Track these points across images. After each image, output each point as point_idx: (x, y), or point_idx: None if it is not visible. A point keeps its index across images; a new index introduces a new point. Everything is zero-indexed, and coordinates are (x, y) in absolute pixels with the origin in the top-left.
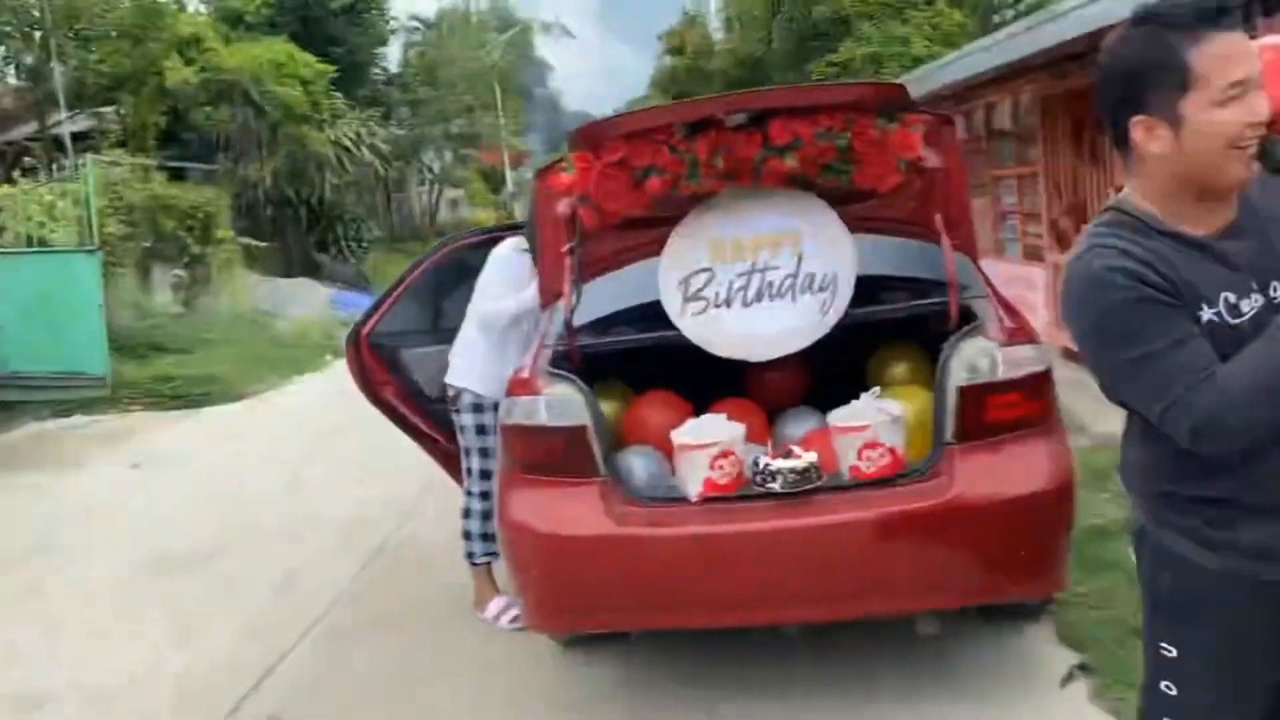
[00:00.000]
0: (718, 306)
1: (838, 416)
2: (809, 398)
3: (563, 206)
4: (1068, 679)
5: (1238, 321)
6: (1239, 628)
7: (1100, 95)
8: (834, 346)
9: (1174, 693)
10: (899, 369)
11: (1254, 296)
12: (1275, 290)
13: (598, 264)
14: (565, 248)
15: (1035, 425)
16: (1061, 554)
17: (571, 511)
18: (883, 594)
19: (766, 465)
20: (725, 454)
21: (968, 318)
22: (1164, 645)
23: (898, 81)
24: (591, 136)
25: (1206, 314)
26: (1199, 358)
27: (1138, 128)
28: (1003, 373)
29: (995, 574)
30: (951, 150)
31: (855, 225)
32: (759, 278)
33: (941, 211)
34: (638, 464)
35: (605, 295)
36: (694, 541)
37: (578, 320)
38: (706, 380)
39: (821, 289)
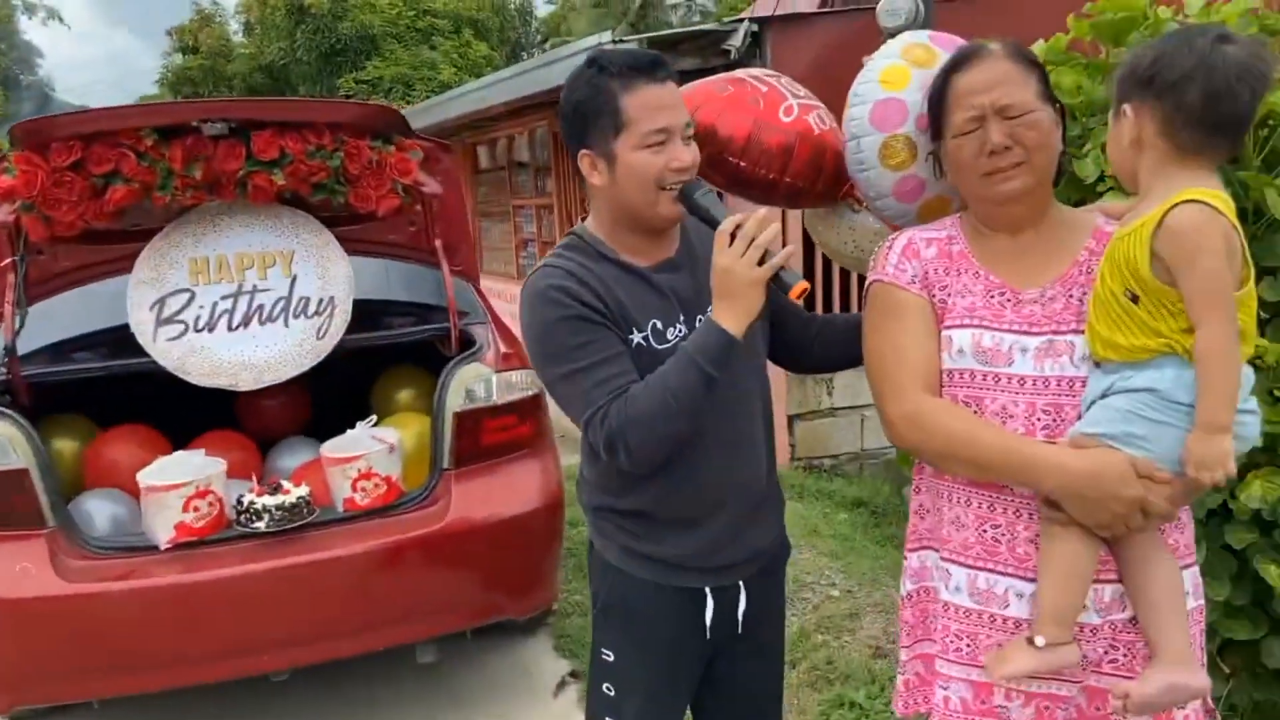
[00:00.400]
0: (198, 331)
1: (330, 447)
2: (311, 427)
3: (1, 214)
4: (560, 687)
5: (662, 347)
6: (665, 633)
7: (561, 128)
8: (337, 373)
9: (613, 694)
10: (404, 395)
11: (679, 326)
12: (699, 322)
13: (51, 281)
14: (5, 262)
15: (527, 447)
16: (551, 569)
17: (7, 569)
18: (381, 627)
19: (251, 503)
20: (202, 494)
21: (468, 343)
22: (604, 650)
23: (392, 105)
24: (37, 135)
25: (636, 337)
26: (619, 375)
27: (584, 160)
28: (497, 397)
29: (492, 594)
30: (450, 177)
31: (354, 247)
32: (246, 300)
33: (441, 237)
34: (99, 510)
35: (62, 317)
36: (163, 594)
37: (25, 346)
38: (194, 411)
39: (317, 313)
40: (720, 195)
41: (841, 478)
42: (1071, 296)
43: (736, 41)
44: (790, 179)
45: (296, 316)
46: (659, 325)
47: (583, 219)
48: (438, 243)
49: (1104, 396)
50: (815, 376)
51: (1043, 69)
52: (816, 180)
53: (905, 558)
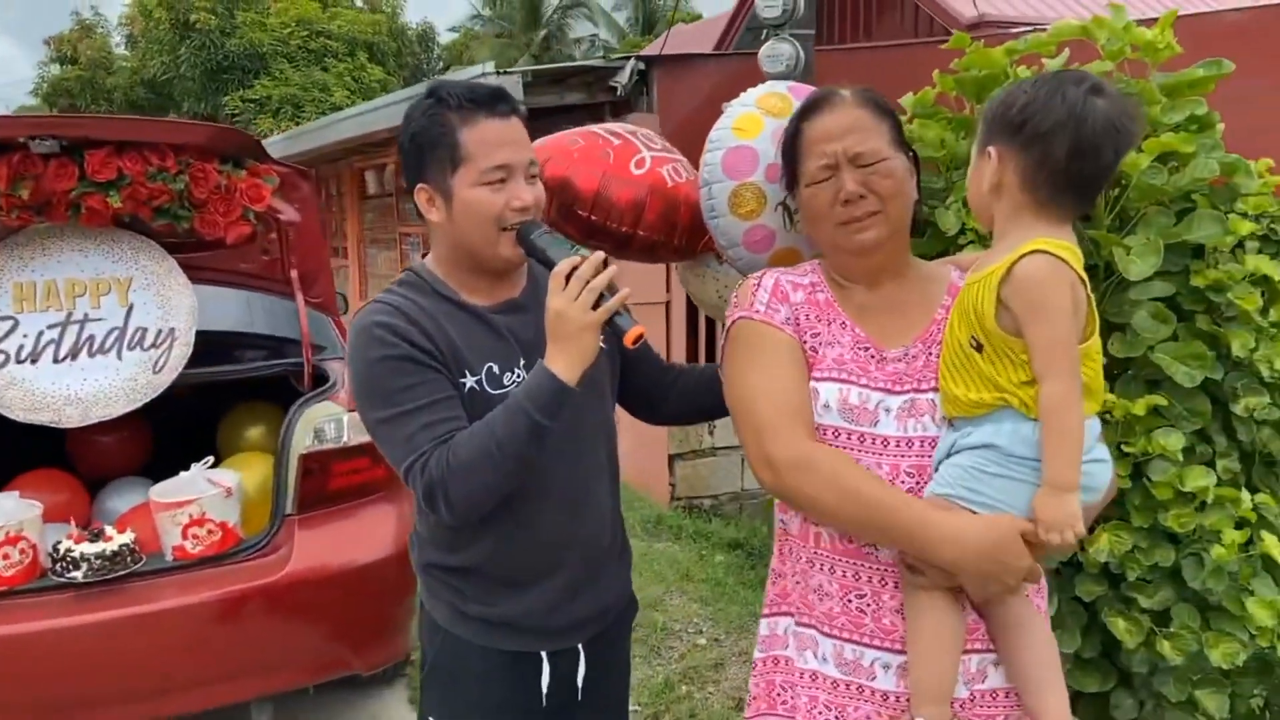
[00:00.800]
0: (20, 362)
1: (159, 491)
2: (151, 467)
3: None
4: None
5: (497, 392)
6: (495, 700)
7: (401, 161)
8: (183, 409)
9: None
10: (253, 433)
11: (518, 371)
12: None
13: None
14: None
15: (381, 491)
16: (403, 621)
17: None
18: (212, 685)
19: (68, 551)
20: (12, 539)
21: (321, 379)
22: (430, 716)
23: (240, 129)
24: None
25: (469, 381)
26: (445, 421)
27: (420, 195)
28: (348, 438)
29: (336, 649)
30: (309, 204)
31: (200, 276)
32: (76, 330)
33: (298, 267)
34: None
35: None
36: None
37: None
38: (17, 447)
39: (154, 345)
40: (572, 243)
41: (720, 518)
42: (931, 354)
43: (623, 79)
44: (644, 232)
45: (131, 348)
46: (495, 369)
47: (423, 255)
48: (293, 273)
49: (949, 455)
50: None
51: (894, 116)
52: (672, 234)
53: (760, 621)
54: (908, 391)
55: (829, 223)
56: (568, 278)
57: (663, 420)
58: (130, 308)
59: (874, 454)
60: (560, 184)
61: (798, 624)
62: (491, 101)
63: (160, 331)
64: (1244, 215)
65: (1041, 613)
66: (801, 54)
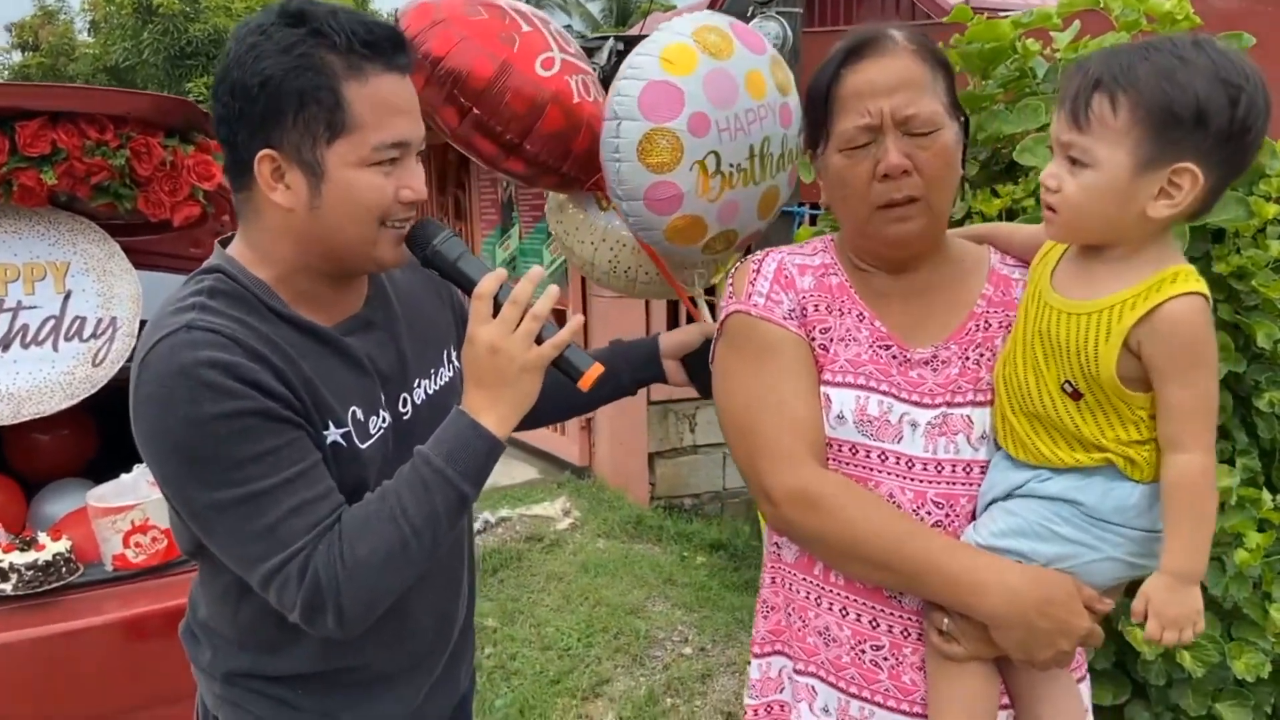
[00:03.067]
0: None
1: (98, 495)
2: (94, 467)
3: None
4: None
5: (365, 445)
6: None
7: (220, 102)
8: (126, 406)
9: None
10: None
11: (382, 413)
12: (405, 405)
13: None
14: None
15: None
16: None
17: None
18: (155, 708)
19: None
20: None
21: None
22: None
23: (187, 99)
24: None
25: (332, 434)
26: (321, 500)
27: (263, 164)
28: None
29: None
30: None
31: (145, 260)
32: (8, 319)
33: None
34: None
35: None
36: None
37: None
38: None
39: (94, 335)
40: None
41: (701, 518)
42: (968, 359)
43: (601, 59)
44: (531, 147)
45: (69, 339)
46: (359, 414)
47: (221, 242)
48: None
49: (1009, 497)
50: (678, 411)
51: (951, 71)
52: (562, 160)
53: (750, 661)
54: (939, 405)
55: (863, 202)
56: (497, 301)
57: (528, 425)
58: (68, 295)
59: (896, 476)
60: (447, 59)
61: (796, 670)
62: (392, 49)
63: (101, 321)
64: (1267, 198)
65: (1076, 668)
66: (789, 33)
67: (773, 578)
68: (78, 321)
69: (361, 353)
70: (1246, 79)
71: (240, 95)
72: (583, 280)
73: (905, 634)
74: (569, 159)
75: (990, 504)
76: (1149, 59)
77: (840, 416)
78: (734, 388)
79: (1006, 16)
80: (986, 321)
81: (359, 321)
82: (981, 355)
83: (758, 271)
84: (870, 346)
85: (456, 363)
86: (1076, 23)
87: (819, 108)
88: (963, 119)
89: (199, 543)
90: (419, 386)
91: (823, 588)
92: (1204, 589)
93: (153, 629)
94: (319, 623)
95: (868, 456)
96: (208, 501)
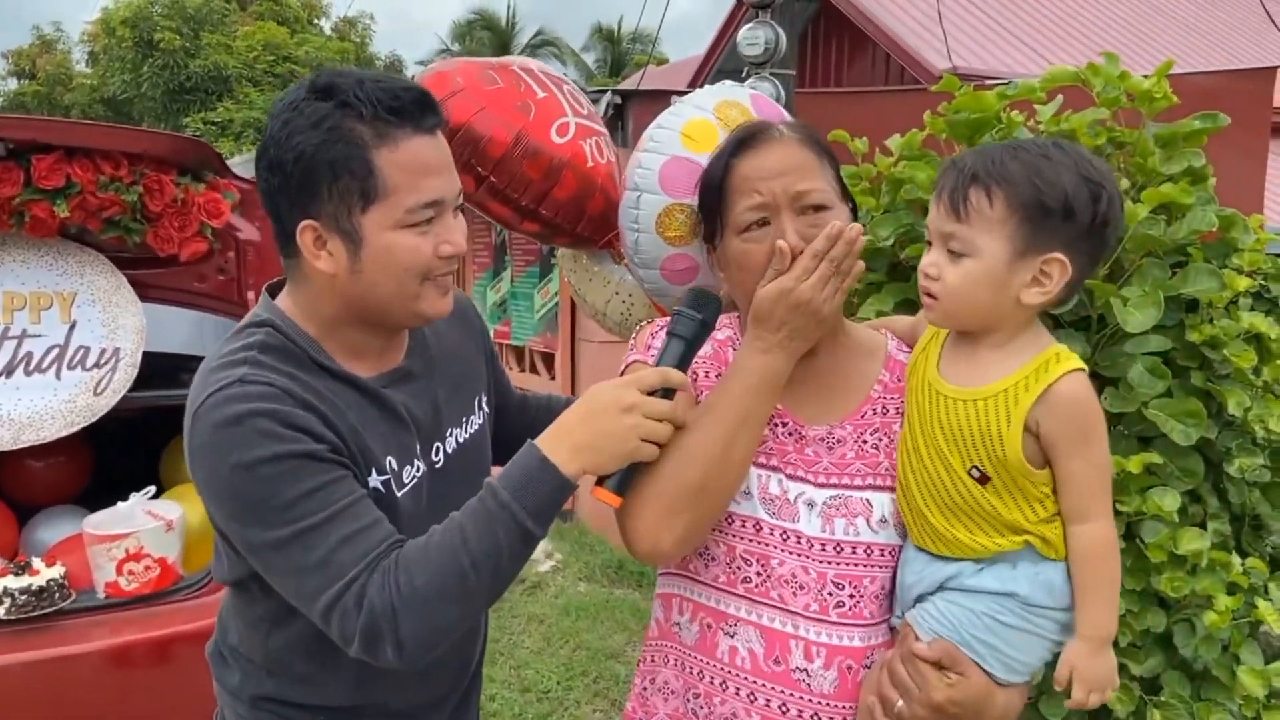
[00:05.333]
0: None
1: (94, 522)
2: (88, 496)
3: None
4: None
5: (401, 493)
6: None
7: (264, 178)
8: (129, 435)
9: None
10: None
11: (418, 463)
12: (438, 454)
13: None
14: None
15: None
16: None
17: None
18: None
19: None
20: None
21: None
22: None
23: (203, 140)
24: None
25: (374, 480)
26: (372, 529)
27: (305, 234)
28: None
29: None
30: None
31: (151, 293)
32: (13, 346)
33: (255, 289)
34: None
35: None
36: None
37: None
38: None
39: (97, 365)
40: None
41: None
42: (864, 443)
43: (599, 111)
44: (547, 212)
45: (72, 368)
46: (394, 464)
47: (269, 293)
48: (250, 294)
49: (940, 589)
50: None
51: (836, 160)
52: (577, 221)
53: None
54: (833, 485)
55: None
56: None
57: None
58: (73, 324)
59: (797, 555)
60: (465, 129)
61: None
62: (419, 112)
63: (104, 351)
64: (1239, 271)
65: None
66: (782, 93)
67: (671, 659)
68: (81, 351)
69: (399, 404)
70: (1104, 178)
71: (278, 171)
72: (571, 325)
73: (815, 718)
74: (583, 220)
75: (919, 598)
76: (1018, 157)
77: (746, 492)
78: None
79: (992, 86)
80: (884, 406)
81: (400, 373)
82: (880, 440)
83: (658, 331)
84: (769, 425)
85: (487, 409)
86: (1059, 97)
87: (713, 198)
88: (851, 205)
89: (240, 574)
90: (450, 436)
91: (728, 671)
92: (1173, 649)
93: (144, 657)
94: (380, 653)
95: (771, 534)
96: (263, 541)
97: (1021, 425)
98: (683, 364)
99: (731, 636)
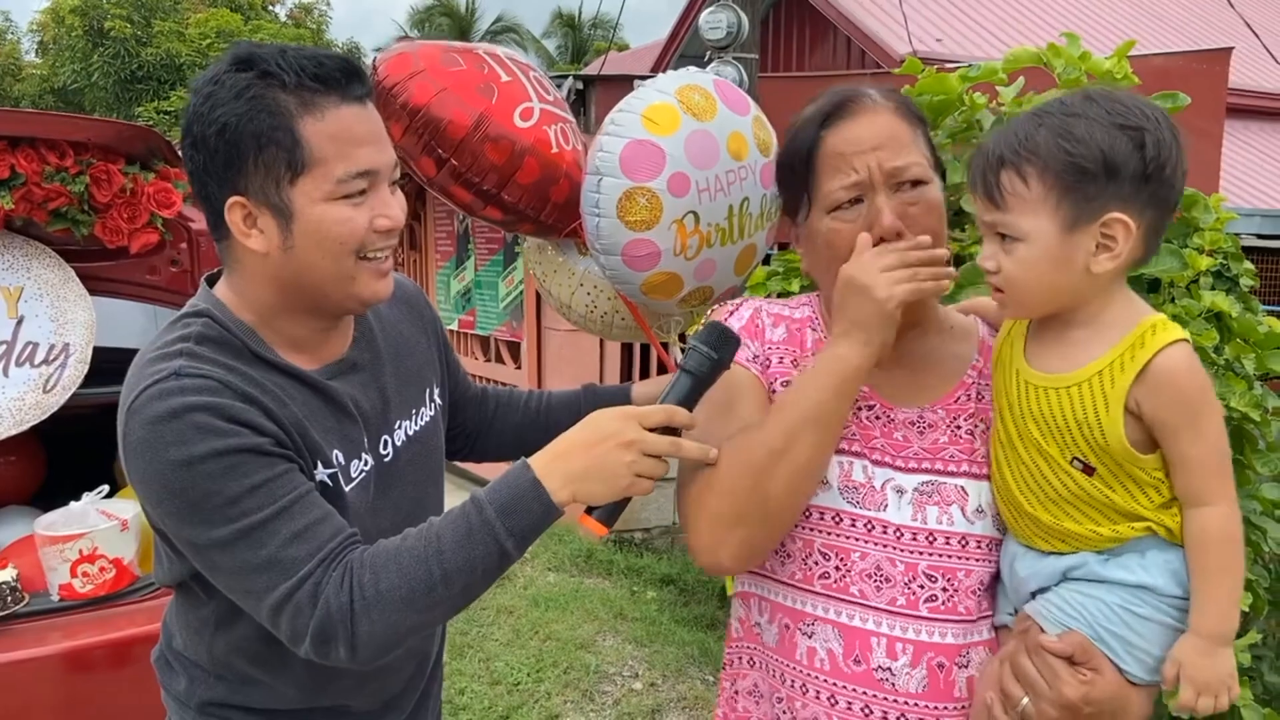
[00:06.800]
0: None
1: (46, 523)
2: (41, 496)
3: None
4: None
5: (349, 487)
6: None
7: (189, 157)
8: (82, 432)
9: None
10: None
11: (365, 456)
12: (386, 447)
13: None
14: None
15: None
16: None
17: None
18: None
19: None
20: None
21: None
22: None
23: (151, 127)
24: None
25: (321, 474)
26: (320, 525)
27: (235, 212)
28: None
29: None
30: None
31: (101, 287)
32: None
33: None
34: None
35: None
36: None
37: None
38: None
39: (46, 361)
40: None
41: (652, 553)
42: (958, 428)
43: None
44: (509, 197)
45: (20, 365)
46: (341, 457)
47: (207, 280)
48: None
49: (1061, 581)
50: None
51: (928, 127)
52: (541, 208)
53: None
54: (925, 471)
55: None
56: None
57: (471, 457)
58: (20, 320)
59: (884, 546)
60: (425, 111)
61: None
62: (345, 80)
63: (53, 347)
64: (1200, 250)
65: None
66: (745, 77)
67: (757, 661)
68: (29, 347)
69: (345, 396)
70: (1146, 118)
71: (202, 147)
72: (537, 314)
73: (901, 719)
74: (547, 207)
75: (1035, 593)
76: (1043, 124)
77: (825, 482)
78: (699, 434)
79: (955, 69)
80: (979, 392)
81: (344, 364)
82: (975, 426)
83: (730, 315)
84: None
85: (439, 400)
86: (1021, 78)
87: (798, 172)
88: (942, 173)
89: (180, 576)
90: (399, 428)
91: (807, 674)
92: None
93: (101, 660)
94: (331, 653)
95: (853, 525)
96: (208, 540)
97: (1121, 408)
98: (689, 401)
99: (809, 637)
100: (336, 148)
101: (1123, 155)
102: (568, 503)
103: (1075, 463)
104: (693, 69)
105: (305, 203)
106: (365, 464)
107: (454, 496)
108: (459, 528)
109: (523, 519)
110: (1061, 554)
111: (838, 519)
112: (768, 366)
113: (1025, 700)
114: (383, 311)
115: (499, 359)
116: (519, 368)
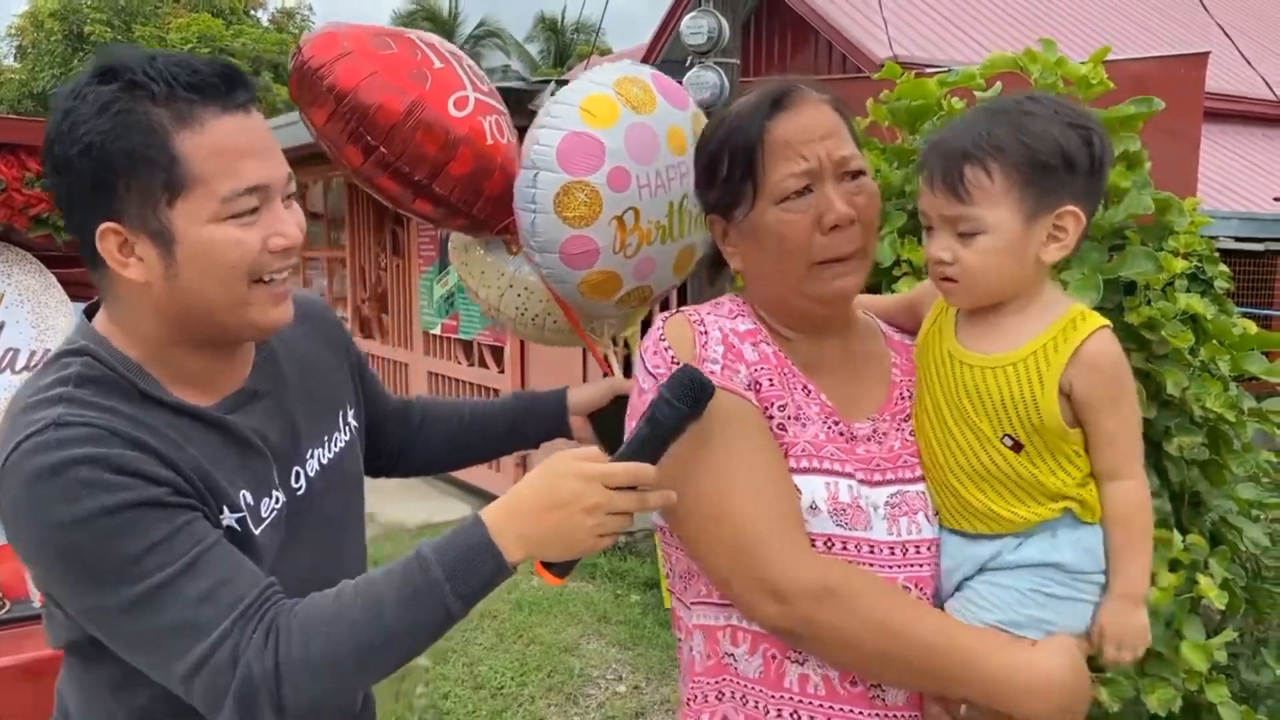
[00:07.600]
0: None
1: None
2: None
3: None
4: None
5: (260, 529)
6: None
7: (50, 180)
8: None
9: None
10: None
11: (275, 494)
12: (299, 480)
13: None
14: None
15: None
16: None
17: None
18: None
19: None
20: None
21: None
22: None
23: None
24: None
25: (228, 518)
26: (236, 578)
27: (108, 239)
28: None
29: None
30: None
31: (82, 292)
32: None
33: None
34: None
35: None
36: None
37: None
38: None
39: (28, 367)
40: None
41: (635, 556)
42: (904, 432)
43: (542, 101)
44: (440, 189)
45: (1, 371)
46: (249, 497)
47: (86, 312)
48: None
49: (982, 571)
50: None
51: (853, 123)
52: (473, 202)
53: None
54: (890, 481)
55: (802, 258)
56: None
57: (401, 473)
58: (1, 326)
59: (871, 566)
60: (352, 96)
61: None
62: (225, 88)
63: (34, 353)
64: (1175, 254)
65: None
66: (726, 82)
67: (730, 694)
68: (10, 353)
69: (248, 430)
70: (1089, 118)
71: (65, 169)
72: None
73: None
74: (480, 201)
75: (961, 582)
76: (1000, 120)
77: (814, 507)
78: (708, 469)
79: (933, 74)
80: (908, 391)
81: (244, 396)
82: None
83: (703, 332)
84: (824, 424)
85: (354, 422)
86: (999, 84)
87: (738, 164)
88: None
89: (72, 637)
90: (312, 457)
91: (799, 701)
92: None
93: None
94: (256, 718)
95: (844, 549)
96: (103, 606)
97: (1056, 386)
98: (655, 456)
99: (801, 664)
100: (219, 163)
101: (1076, 151)
102: (521, 562)
103: (1006, 439)
104: (629, 61)
105: (188, 226)
106: (276, 501)
107: (445, 504)
108: (404, 590)
109: (472, 581)
110: (984, 539)
111: (829, 544)
112: (760, 391)
113: (963, 707)
114: (284, 332)
115: (482, 363)
116: (502, 372)
